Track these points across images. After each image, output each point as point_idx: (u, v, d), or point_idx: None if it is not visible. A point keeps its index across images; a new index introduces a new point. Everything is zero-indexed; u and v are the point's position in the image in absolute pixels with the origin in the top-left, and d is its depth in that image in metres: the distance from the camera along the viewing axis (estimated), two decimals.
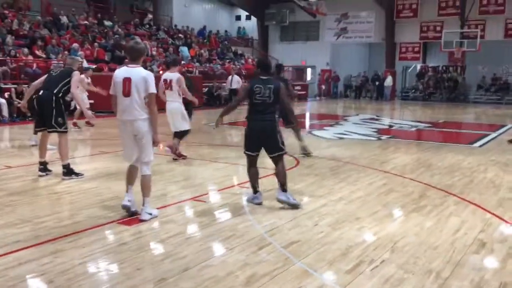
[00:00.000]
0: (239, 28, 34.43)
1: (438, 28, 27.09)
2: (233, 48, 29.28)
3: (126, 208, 4.87)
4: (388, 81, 28.22)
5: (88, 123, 12.53)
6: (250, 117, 5.37)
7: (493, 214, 5.23)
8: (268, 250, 4.06)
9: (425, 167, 7.99)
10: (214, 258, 3.87)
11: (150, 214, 4.80)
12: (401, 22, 28.41)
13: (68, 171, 6.56)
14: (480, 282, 3.49)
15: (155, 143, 4.88)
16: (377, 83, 29.61)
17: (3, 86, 13.70)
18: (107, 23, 22.97)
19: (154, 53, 21.74)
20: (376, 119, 16.69)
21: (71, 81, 6.63)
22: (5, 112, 13.04)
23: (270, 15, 31.89)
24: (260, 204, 5.43)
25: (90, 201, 5.48)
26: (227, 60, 26.36)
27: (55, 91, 6.51)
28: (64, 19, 20.67)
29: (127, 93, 4.69)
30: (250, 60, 28.74)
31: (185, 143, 9.05)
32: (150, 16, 27.86)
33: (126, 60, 4.93)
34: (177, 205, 5.43)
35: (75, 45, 17.75)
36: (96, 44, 19.19)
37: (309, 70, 32.51)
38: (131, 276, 3.49)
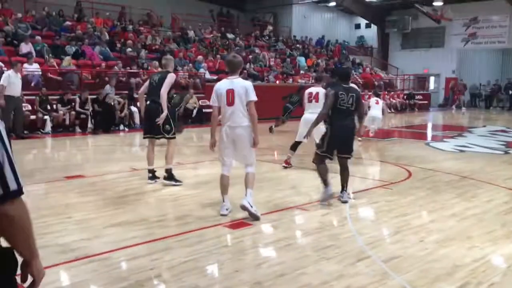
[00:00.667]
0: (358, 37, 33.91)
1: None
2: (352, 57, 28.91)
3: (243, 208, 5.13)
4: None
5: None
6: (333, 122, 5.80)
7: None
8: (366, 263, 3.99)
9: None
10: (311, 267, 3.90)
11: (250, 205, 5.08)
12: None
13: (169, 176, 6.76)
14: None
15: (255, 144, 5.22)
16: (510, 92, 27.12)
17: (135, 95, 15.11)
18: (230, 35, 24.16)
19: (272, 63, 22.34)
20: (506, 131, 15.31)
21: (165, 83, 6.56)
22: (137, 120, 14.35)
23: (391, 23, 30.94)
24: (332, 194, 5.81)
25: (198, 205, 5.83)
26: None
27: (158, 100, 6.54)
28: (191, 34, 22.19)
29: (231, 102, 5.07)
30: (368, 69, 28.17)
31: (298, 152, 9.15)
32: (270, 27, 28.76)
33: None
34: (281, 212, 5.55)
35: (200, 57, 18.97)
36: (218, 56, 20.28)
37: (432, 78, 30.86)
38: (229, 277, 3.68)
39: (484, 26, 27.68)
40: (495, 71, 30.65)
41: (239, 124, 5.12)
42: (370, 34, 33.34)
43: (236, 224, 4.99)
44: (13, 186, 1.50)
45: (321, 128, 6.98)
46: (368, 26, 33.20)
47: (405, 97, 26.09)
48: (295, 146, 8.30)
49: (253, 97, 5.11)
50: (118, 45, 17.92)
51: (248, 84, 5.22)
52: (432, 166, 8.64)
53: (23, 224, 1.56)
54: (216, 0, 27.17)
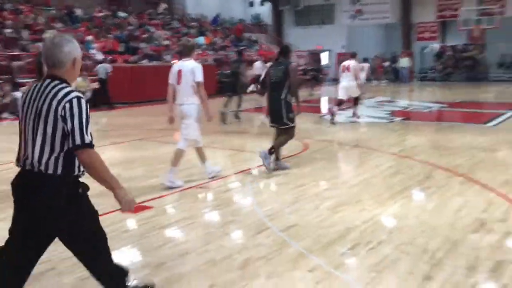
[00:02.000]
0: (252, 14, 34.23)
1: (456, 6, 26.47)
2: (248, 35, 29.19)
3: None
4: (405, 62, 27.76)
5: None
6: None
7: (498, 193, 5.19)
8: (266, 234, 4.13)
9: (435, 148, 7.94)
10: (214, 243, 3.96)
11: (173, 182, 5.51)
12: (417, 1, 27.84)
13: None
14: (474, 261, 3.50)
15: (209, 118, 5.76)
16: (393, 65, 29.21)
17: (20, 81, 14.00)
18: (122, 14, 23.16)
19: (167, 42, 21.85)
20: (391, 101, 16.52)
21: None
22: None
23: (284, 0, 31.63)
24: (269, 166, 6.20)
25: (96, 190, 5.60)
26: (242, 47, 26.35)
27: None
28: (78, 12, 20.92)
29: (178, 82, 5.60)
30: (264, 46, 28.64)
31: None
32: (164, 5, 28.01)
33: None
34: (181, 192, 5.53)
35: (90, 37, 18.00)
36: (110, 35, 19.39)
37: (324, 54, 32.20)
38: (131, 261, 3.61)
39: (369, 3, 29.34)
40: (381, 45, 32.77)
41: (184, 102, 5.60)
42: (265, 11, 33.83)
43: (136, 208, 4.87)
44: (77, 141, 2.27)
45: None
46: (262, 3, 33.63)
47: (300, 72, 26.99)
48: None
49: (199, 78, 5.54)
50: None
51: (196, 65, 5.59)
52: (327, 138, 9.10)
53: (95, 167, 2.35)
54: None
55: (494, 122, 10.77)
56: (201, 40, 24.06)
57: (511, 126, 10.16)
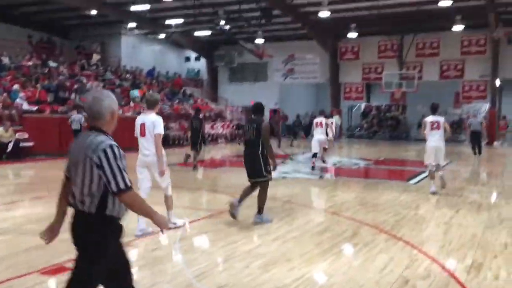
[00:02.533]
0: (188, 69, 34.71)
1: (379, 70, 28.40)
2: (183, 88, 29.42)
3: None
4: (335, 119, 29.01)
5: None
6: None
7: (420, 250, 5.41)
8: None
9: (362, 204, 8.21)
10: None
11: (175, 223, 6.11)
12: (344, 63, 29.61)
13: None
14: None
15: (161, 173, 5.93)
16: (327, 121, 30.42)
17: None
18: (52, 64, 22.62)
19: None
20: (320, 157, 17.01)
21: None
22: None
23: (219, 57, 32.45)
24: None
25: (10, 251, 5.24)
26: (176, 101, 26.44)
27: None
28: (5, 60, 20.19)
29: (142, 133, 5.94)
30: (199, 100, 28.93)
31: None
32: (98, 56, 27.74)
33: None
34: None
35: (16, 86, 17.33)
36: (38, 85, 18.78)
37: None
38: None
39: (300, 63, 30.81)
40: (311, 103, 34.24)
41: (150, 153, 5.93)
42: (200, 66, 34.47)
43: (54, 270, 4.59)
44: (114, 188, 2.61)
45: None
46: (197, 59, 34.29)
47: (234, 127, 27.37)
48: None
49: (158, 130, 5.85)
50: None
51: (157, 118, 5.90)
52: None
53: (134, 205, 2.71)
54: (35, 26, 25.34)
55: (415, 180, 11.38)
56: (135, 92, 23.92)
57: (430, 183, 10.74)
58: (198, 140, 12.82)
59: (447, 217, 7.23)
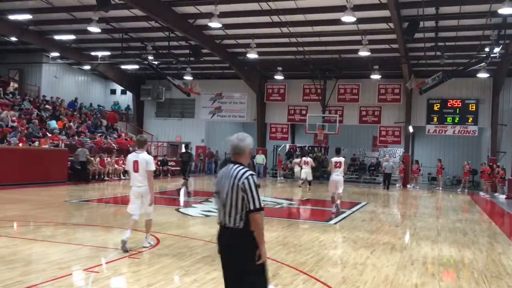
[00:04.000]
0: (114, 102, 33.88)
1: (304, 112, 29.43)
2: (106, 122, 28.60)
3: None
4: (260, 159, 29.45)
5: None
6: None
7: None
8: None
9: (283, 244, 8.28)
10: None
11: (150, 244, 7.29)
12: (270, 104, 30.39)
13: None
14: None
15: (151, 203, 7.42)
16: (250, 161, 30.76)
17: None
18: None
19: (15, 124, 20.33)
20: None
21: None
22: None
23: (146, 91, 32.10)
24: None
25: None
26: (99, 134, 25.59)
27: None
28: None
29: (136, 170, 7.24)
30: (123, 134, 28.21)
31: (44, 222, 8.37)
32: (15, 85, 26.40)
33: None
34: None
35: None
36: None
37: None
38: None
39: (228, 102, 31.22)
40: None
41: (142, 185, 7.28)
42: (126, 99, 33.82)
43: None
44: (251, 207, 3.48)
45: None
46: (123, 92, 33.67)
47: (159, 163, 26.86)
48: None
49: (151, 167, 7.32)
50: None
51: (149, 157, 7.32)
52: (180, 232, 8.97)
53: (260, 224, 3.47)
54: None
55: (335, 220, 11.71)
56: (53, 123, 22.87)
57: (350, 224, 11.12)
58: (186, 171, 16.06)
59: (363, 257, 7.48)
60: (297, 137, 33.67)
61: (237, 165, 3.65)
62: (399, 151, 29.29)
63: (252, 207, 3.47)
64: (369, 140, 31.93)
